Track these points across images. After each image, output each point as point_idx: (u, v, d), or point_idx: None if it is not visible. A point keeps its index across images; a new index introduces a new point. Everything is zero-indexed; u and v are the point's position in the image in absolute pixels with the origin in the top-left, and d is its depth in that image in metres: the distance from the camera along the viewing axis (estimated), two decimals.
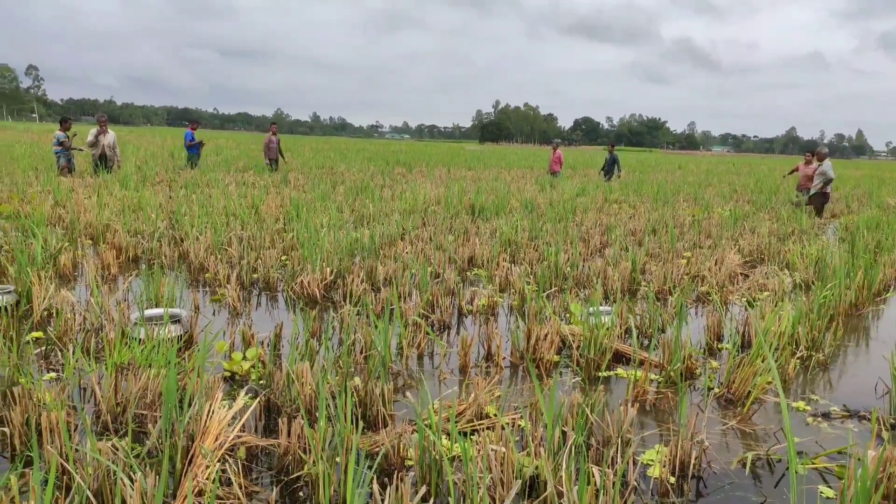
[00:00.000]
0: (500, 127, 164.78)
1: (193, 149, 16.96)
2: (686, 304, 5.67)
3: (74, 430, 2.85)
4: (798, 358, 4.26)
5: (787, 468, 2.88)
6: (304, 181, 14.95)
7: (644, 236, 8.85)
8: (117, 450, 2.43)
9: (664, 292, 6.05)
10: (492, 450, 2.46)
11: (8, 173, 13.10)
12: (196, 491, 2.35)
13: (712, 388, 3.78)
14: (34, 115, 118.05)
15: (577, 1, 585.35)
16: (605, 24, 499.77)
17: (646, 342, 4.62)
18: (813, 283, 6.47)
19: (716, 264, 7.01)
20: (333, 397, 3.08)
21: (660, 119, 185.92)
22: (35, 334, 4.12)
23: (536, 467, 2.44)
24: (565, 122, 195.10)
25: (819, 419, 3.46)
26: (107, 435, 2.84)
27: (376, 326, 3.83)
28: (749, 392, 3.59)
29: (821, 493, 2.69)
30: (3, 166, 14.59)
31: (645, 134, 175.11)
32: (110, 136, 13.83)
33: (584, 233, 8.94)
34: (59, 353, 3.76)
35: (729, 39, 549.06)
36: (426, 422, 2.68)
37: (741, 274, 6.92)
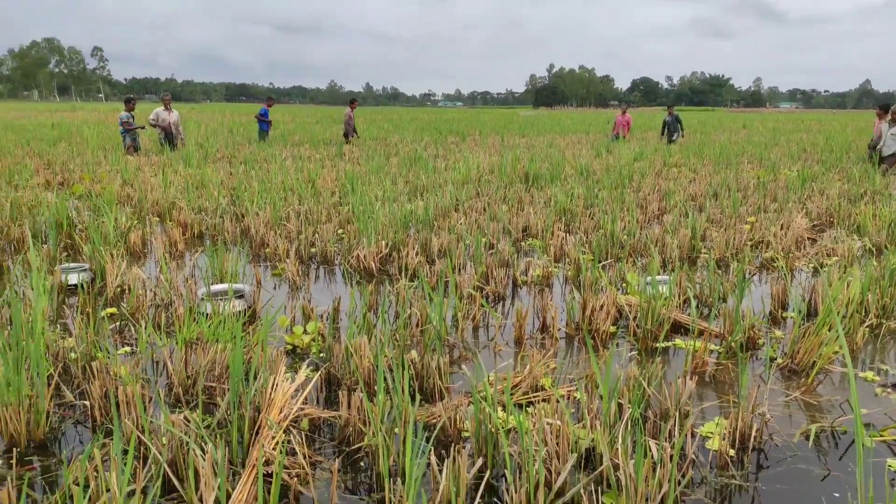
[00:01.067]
0: (554, 91, 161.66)
1: (264, 125, 17.59)
2: (748, 271, 5.52)
3: (149, 402, 3.01)
4: (867, 326, 4.11)
5: (853, 441, 2.81)
6: (359, 153, 15.10)
7: (705, 201, 8.59)
8: (189, 422, 2.56)
9: (726, 260, 5.89)
10: (547, 423, 2.49)
11: (79, 153, 13.70)
12: (264, 460, 2.46)
13: (775, 359, 3.69)
14: (100, 95, 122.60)
15: None
16: None
17: (706, 312, 4.53)
18: (886, 247, 6.19)
19: (781, 229, 6.77)
20: (391, 370, 3.15)
21: (723, 76, 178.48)
22: (110, 310, 4.35)
23: (592, 440, 2.46)
24: (622, 84, 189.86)
25: (889, 390, 3.34)
26: (179, 407, 3.00)
27: (431, 300, 3.89)
28: (814, 362, 3.49)
29: (889, 466, 2.62)
30: (75, 147, 15.26)
31: (708, 92, 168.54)
32: (174, 114, 14.27)
33: (641, 199, 8.75)
34: (133, 329, 3.96)
35: None
36: (481, 394, 2.72)
37: (809, 238, 6.66)
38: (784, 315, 4.50)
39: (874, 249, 6.20)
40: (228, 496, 2.23)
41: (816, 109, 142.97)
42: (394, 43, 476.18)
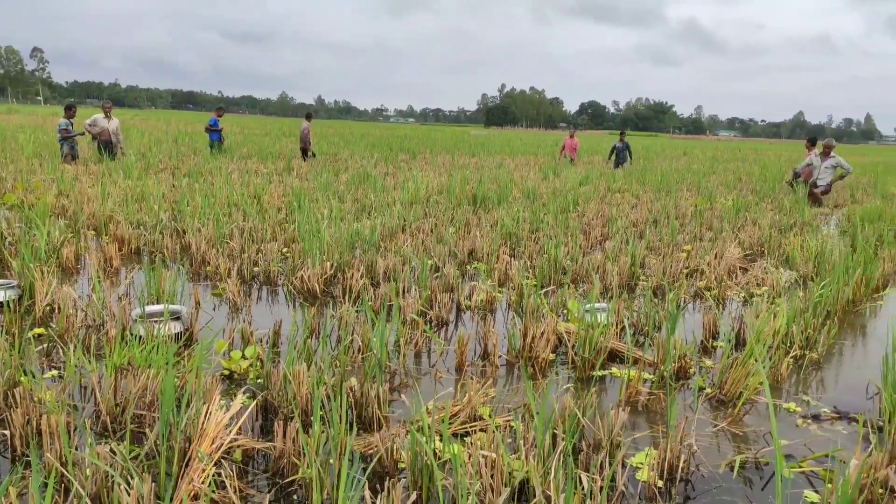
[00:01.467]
0: (505, 111, 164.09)
1: (214, 135, 17.26)
2: (682, 300, 5.70)
3: (74, 431, 2.90)
4: (792, 357, 4.30)
5: (773, 473, 2.92)
6: (308, 169, 14.97)
7: (645, 228, 8.85)
8: (115, 454, 2.48)
9: (663, 287, 6.07)
10: (482, 455, 2.51)
11: (12, 160, 13.15)
12: (192, 495, 2.41)
13: (704, 389, 3.82)
14: (39, 98, 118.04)
15: None
16: (611, 5, 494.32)
17: (641, 340, 4.66)
18: (812, 278, 6.49)
19: (715, 258, 7.03)
20: (329, 399, 3.13)
21: (666, 103, 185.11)
22: (37, 331, 4.18)
23: (526, 472, 2.49)
24: (571, 106, 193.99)
25: (809, 421, 3.50)
26: (106, 436, 2.90)
27: (373, 326, 3.88)
28: (741, 393, 3.63)
29: (805, 497, 2.74)
30: (8, 153, 14.64)
31: (652, 118, 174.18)
32: (114, 122, 13.87)
33: (585, 224, 8.95)
34: (61, 351, 3.82)
35: (735, 20, 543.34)
36: (418, 425, 2.73)
37: (740, 268, 6.93)
38: (714, 345, 4.66)
39: (801, 280, 6.50)
40: None
41: (753, 138, 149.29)
42: (347, 55, 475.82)
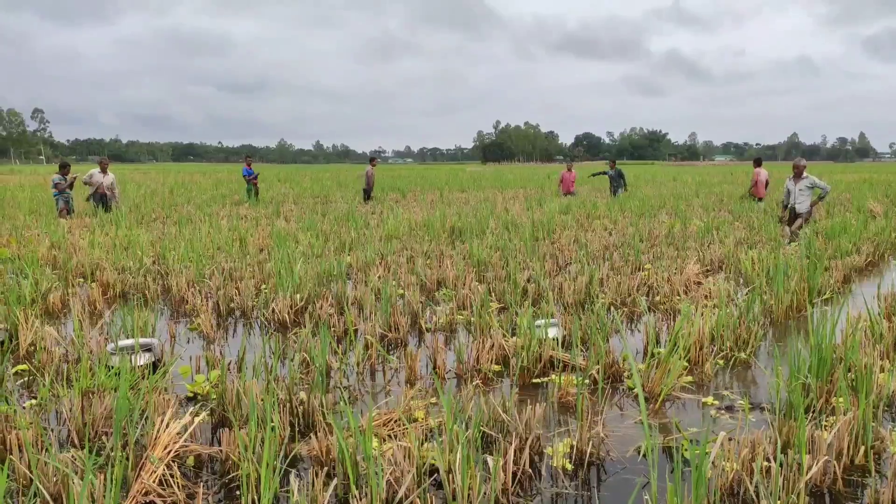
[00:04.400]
0: (501, 147, 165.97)
1: (249, 183, 18.87)
2: (635, 313, 6.03)
3: (44, 450, 3.23)
4: (721, 358, 4.61)
5: (677, 454, 3.22)
6: (297, 211, 15.44)
7: (613, 251, 9.20)
8: (75, 459, 2.81)
9: (618, 304, 6.40)
10: (400, 446, 2.83)
11: (9, 217, 13.65)
12: (143, 492, 2.73)
13: (632, 388, 4.13)
14: (41, 157, 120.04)
15: (562, 18, 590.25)
16: (592, 40, 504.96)
17: (586, 351, 4.97)
18: (763, 289, 6.81)
19: (675, 274, 7.36)
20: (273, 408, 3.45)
21: (660, 131, 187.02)
22: (20, 367, 4.52)
23: (433, 458, 2.81)
24: (566, 139, 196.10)
25: (722, 411, 3.80)
26: (74, 448, 3.22)
27: (329, 345, 4.22)
28: (661, 390, 3.94)
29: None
30: (7, 210, 15.16)
31: (647, 147, 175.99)
32: (109, 177, 14.37)
33: (556, 250, 9.31)
34: (40, 383, 4.15)
35: (715, 49, 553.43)
36: (361, 429, 3.05)
37: (695, 283, 7.26)
38: (655, 351, 4.97)
39: (750, 291, 6.82)
40: None
41: (748, 162, 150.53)
42: (341, 100, 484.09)
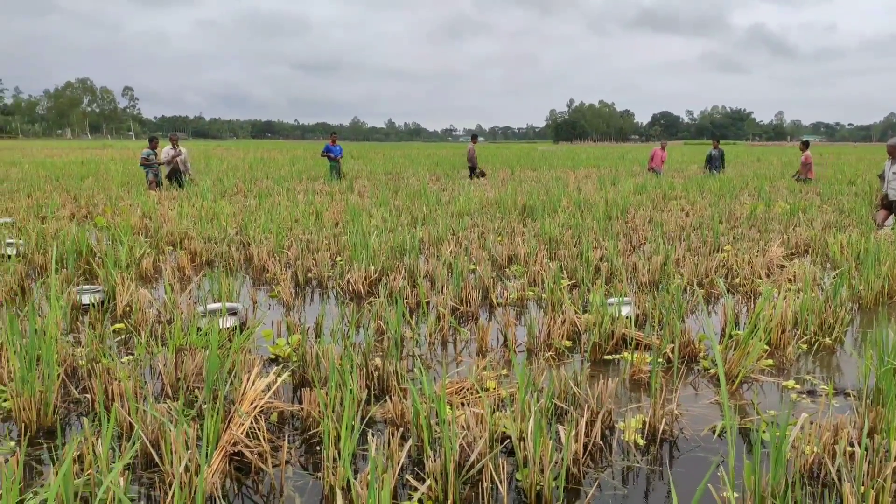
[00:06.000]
0: (574, 125, 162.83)
1: (332, 160, 17.85)
2: (713, 295, 5.88)
3: (143, 401, 3.47)
4: (805, 342, 4.45)
5: (755, 434, 3.16)
6: (370, 187, 15.72)
7: (691, 232, 8.95)
8: (171, 410, 3.02)
9: (695, 285, 6.24)
10: (472, 412, 2.90)
11: (104, 189, 14.50)
12: (232, 442, 2.90)
13: (708, 369, 4.05)
14: (131, 133, 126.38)
15: None
16: (671, 15, 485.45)
17: (661, 330, 4.90)
18: (852, 274, 6.49)
19: (756, 256, 7.10)
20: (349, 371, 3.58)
21: (744, 110, 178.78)
22: (118, 326, 4.85)
23: (504, 426, 2.86)
24: (643, 118, 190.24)
25: (804, 396, 3.69)
26: (168, 401, 3.46)
27: (403, 315, 4.33)
28: (739, 372, 3.85)
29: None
30: (101, 182, 16.10)
31: (729, 126, 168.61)
32: (182, 151, 15.02)
33: (630, 230, 9.14)
34: (136, 341, 4.45)
35: (804, 23, 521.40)
36: (425, 394, 3.14)
37: (778, 266, 6.99)
38: (734, 333, 4.84)
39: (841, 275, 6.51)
40: (198, 471, 2.67)
41: (841, 142, 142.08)
42: (414, 80, 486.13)
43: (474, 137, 19.68)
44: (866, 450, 2.65)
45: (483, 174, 19.52)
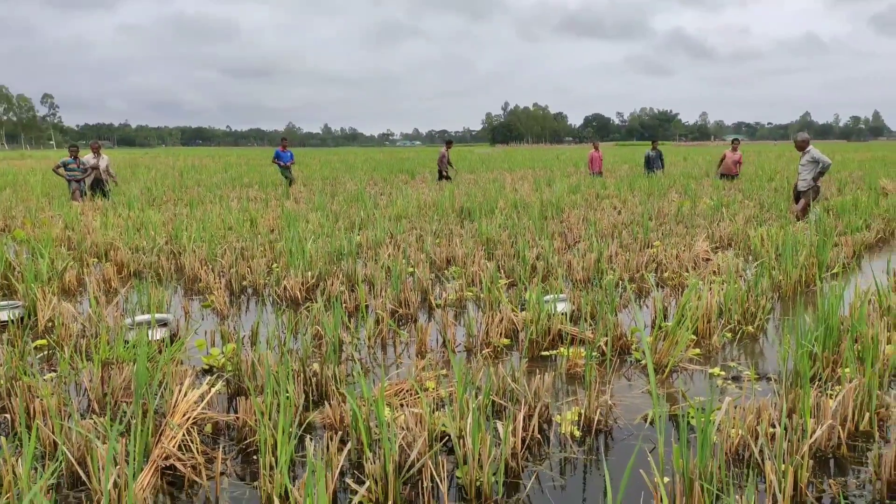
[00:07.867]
0: (510, 128, 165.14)
1: (282, 166, 17.21)
2: (643, 289, 6.06)
3: (67, 418, 3.32)
4: (729, 330, 4.65)
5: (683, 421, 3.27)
6: (307, 192, 15.50)
7: (623, 229, 9.21)
8: (97, 426, 2.90)
9: (627, 280, 6.43)
10: (412, 413, 2.90)
11: (23, 200, 13.79)
12: (164, 456, 2.81)
13: (640, 360, 4.18)
14: (51, 143, 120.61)
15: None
16: (596, 20, 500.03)
17: (594, 325, 5.02)
18: (772, 265, 6.82)
19: (683, 251, 7.37)
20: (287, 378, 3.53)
21: (671, 111, 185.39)
22: (40, 342, 4.63)
23: (443, 424, 2.88)
24: (576, 120, 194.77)
25: (729, 382, 3.85)
26: (95, 416, 3.32)
27: (341, 319, 4.29)
28: (669, 361, 3.99)
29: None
30: (20, 194, 15.31)
31: (657, 127, 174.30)
32: (104, 160, 14.44)
33: (565, 228, 9.33)
34: (59, 356, 4.25)
35: (720, 27, 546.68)
36: (363, 397, 3.13)
37: (704, 259, 7.27)
38: (662, 325, 5.01)
39: (761, 267, 6.83)
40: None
41: (761, 141, 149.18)
42: (349, 85, 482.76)
43: (448, 143, 19.54)
44: (786, 429, 2.79)
45: (449, 178, 19.17)
